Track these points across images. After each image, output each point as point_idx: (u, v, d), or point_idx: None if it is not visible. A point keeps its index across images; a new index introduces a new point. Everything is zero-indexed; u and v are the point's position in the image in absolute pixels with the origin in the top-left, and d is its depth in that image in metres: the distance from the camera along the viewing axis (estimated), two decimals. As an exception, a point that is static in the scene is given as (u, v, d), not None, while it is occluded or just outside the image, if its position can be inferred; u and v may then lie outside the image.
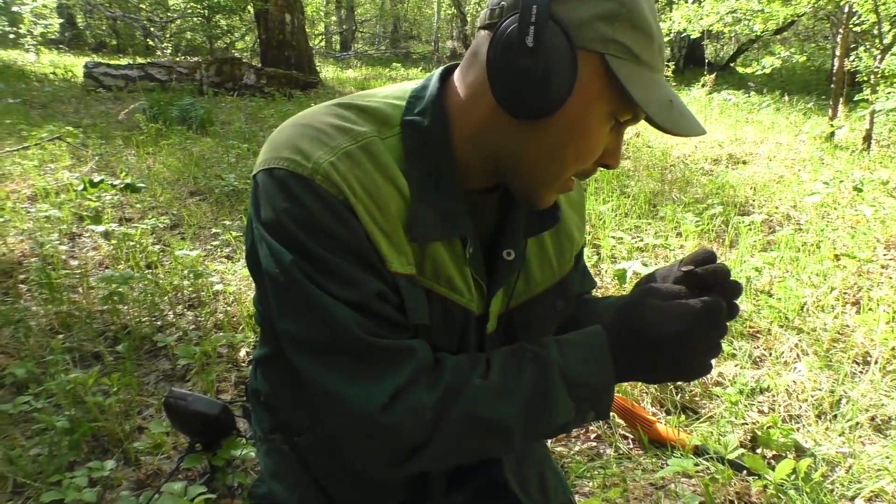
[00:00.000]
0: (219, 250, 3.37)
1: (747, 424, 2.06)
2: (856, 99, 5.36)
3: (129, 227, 3.42)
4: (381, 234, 0.79)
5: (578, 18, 0.72)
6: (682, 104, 0.81)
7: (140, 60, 10.92)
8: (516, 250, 0.94)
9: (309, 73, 10.82)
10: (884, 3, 6.09)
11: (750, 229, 3.72)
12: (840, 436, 2.02)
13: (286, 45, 10.65)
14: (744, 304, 2.81)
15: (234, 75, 9.45)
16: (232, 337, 2.44)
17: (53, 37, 17.16)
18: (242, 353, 2.40)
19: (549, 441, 2.00)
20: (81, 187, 3.98)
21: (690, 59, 15.45)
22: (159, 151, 5.38)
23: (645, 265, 2.95)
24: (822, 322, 2.67)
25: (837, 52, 7.24)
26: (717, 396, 2.20)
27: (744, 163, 5.83)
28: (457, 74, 0.86)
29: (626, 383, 2.12)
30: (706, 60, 9.03)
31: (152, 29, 12.76)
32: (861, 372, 2.36)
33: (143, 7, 13.84)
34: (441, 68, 0.90)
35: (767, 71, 7.57)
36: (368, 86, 11.15)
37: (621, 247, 3.46)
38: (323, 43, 23.47)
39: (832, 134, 6.37)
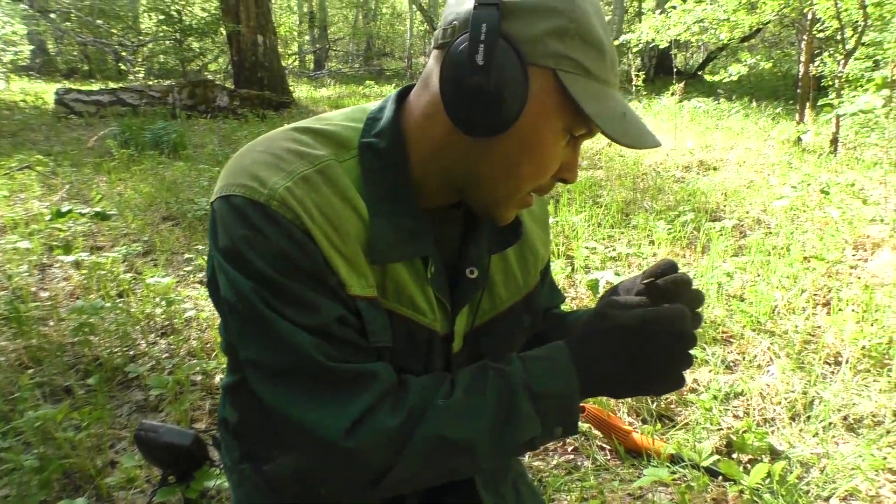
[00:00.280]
0: (192, 276, 3.35)
1: (722, 430, 2.08)
2: (821, 103, 5.46)
3: (99, 256, 3.38)
4: (340, 258, 0.79)
5: (529, 35, 0.73)
6: (636, 116, 0.81)
7: (112, 85, 10.85)
8: (479, 268, 0.94)
9: (282, 93, 10.82)
10: (846, 10, 6.23)
11: (721, 235, 3.77)
12: (814, 437, 2.04)
13: (259, 66, 10.64)
14: (716, 309, 2.83)
15: (207, 97, 9.42)
16: (206, 364, 2.41)
17: (24, 63, 17.04)
18: (217, 379, 2.38)
19: (527, 456, 2.00)
20: (49, 217, 3.93)
21: (660, 68, 15.64)
22: (131, 177, 5.34)
23: (618, 274, 2.97)
24: (794, 324, 2.70)
25: (803, 58, 7.39)
26: (692, 403, 2.21)
27: (714, 169, 5.90)
28: (413, 95, 0.86)
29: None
30: (675, 69, 9.15)
31: (124, 53, 12.67)
32: (832, 372, 2.39)
33: (115, 31, 13.76)
34: (397, 90, 0.90)
35: (735, 78, 7.68)
36: (342, 104, 11.17)
37: (595, 257, 3.48)
38: (297, 62, 23.46)
39: (799, 138, 6.48)
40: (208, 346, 2.61)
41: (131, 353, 2.58)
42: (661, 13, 8.67)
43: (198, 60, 12.48)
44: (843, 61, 6.09)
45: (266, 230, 0.75)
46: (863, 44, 6.09)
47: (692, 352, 0.82)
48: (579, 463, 1.99)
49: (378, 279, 0.83)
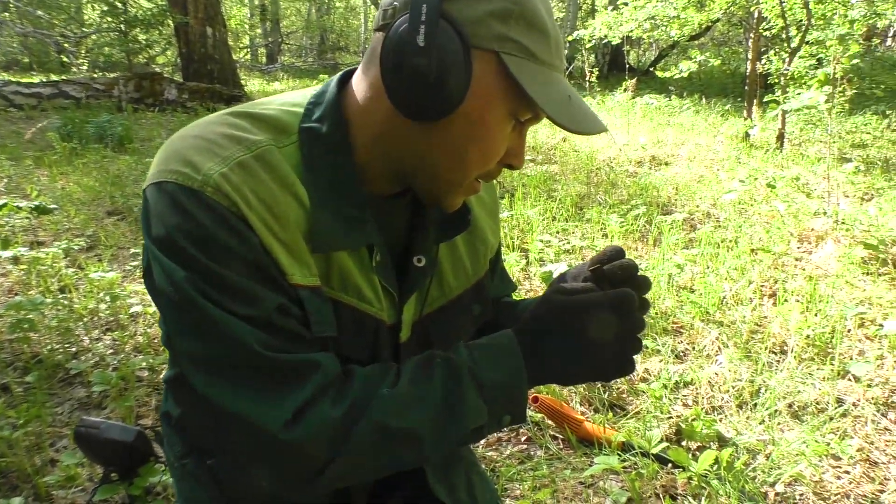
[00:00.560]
0: (138, 270, 3.25)
1: (672, 418, 2.10)
2: (767, 100, 5.59)
3: (40, 251, 3.26)
4: (280, 246, 0.76)
5: (471, 17, 0.71)
6: (581, 101, 0.80)
7: (54, 77, 10.50)
8: (427, 256, 0.92)
9: (233, 86, 10.61)
10: (790, 9, 6.39)
11: (672, 228, 3.83)
12: (760, 424, 2.08)
13: (208, 58, 10.42)
14: (667, 300, 2.87)
15: (155, 90, 9.18)
16: (152, 359, 2.35)
17: (-39, 56, 16.38)
18: (164, 375, 2.31)
19: (480, 446, 2.00)
20: (-15, 212, 3.78)
21: (614, 64, 15.84)
22: (74, 171, 5.17)
23: (571, 267, 2.99)
24: (742, 315, 2.76)
25: (750, 56, 7.56)
26: (643, 392, 2.23)
27: (666, 164, 6.00)
28: (355, 78, 0.84)
29: (555, 384, 2.14)
30: (628, 66, 9.27)
31: (66, 45, 12.28)
32: (778, 361, 2.44)
33: (56, 22, 13.32)
34: (340, 73, 0.88)
35: (685, 74, 7.82)
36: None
37: (549, 250, 3.50)
38: (248, 56, 23.10)
39: (747, 134, 6.63)
40: (155, 341, 2.54)
41: (74, 349, 2.50)
42: (613, 10, 8.78)
43: (144, 53, 12.14)
44: (788, 59, 6.25)
45: (200, 218, 0.72)
46: (807, 42, 6.26)
47: (641, 338, 0.81)
48: (532, 452, 1.99)
49: (322, 268, 0.81)
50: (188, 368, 0.77)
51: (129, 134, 6.42)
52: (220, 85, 10.11)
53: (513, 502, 1.74)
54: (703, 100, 10.41)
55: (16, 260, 3.20)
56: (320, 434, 0.74)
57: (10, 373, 2.28)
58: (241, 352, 0.73)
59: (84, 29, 13.05)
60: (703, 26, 9.29)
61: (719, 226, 4.04)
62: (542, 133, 7.16)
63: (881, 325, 2.58)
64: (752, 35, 7.42)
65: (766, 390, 2.23)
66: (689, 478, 1.78)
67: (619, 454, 1.88)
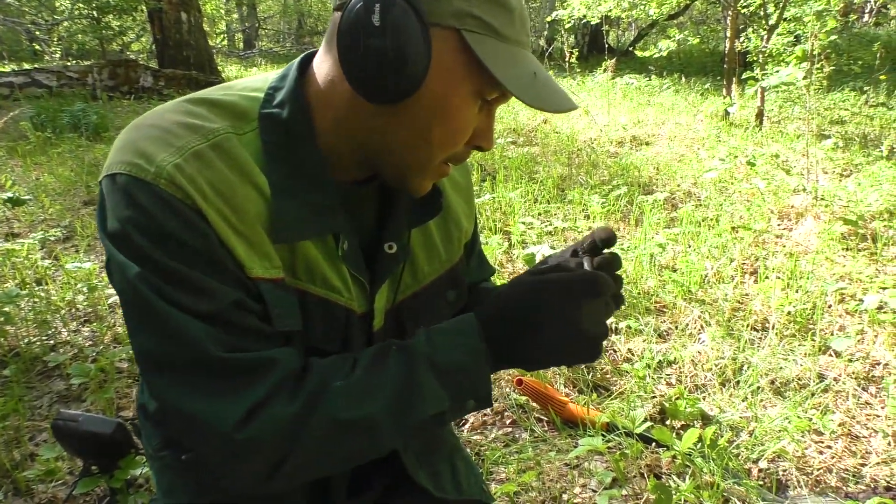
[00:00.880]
0: (116, 261, 3.21)
1: (656, 397, 2.11)
2: (745, 77, 5.60)
3: (14, 243, 3.21)
4: (238, 238, 0.74)
5: None
6: (549, 78, 0.78)
7: (26, 66, 10.30)
8: (398, 243, 0.90)
9: (210, 72, 10.46)
10: (767, -15, 6.39)
11: (654, 207, 3.83)
12: (743, 401, 2.09)
13: (184, 44, 10.26)
14: (649, 280, 2.88)
15: (130, 78, 9.04)
16: (132, 350, 2.32)
17: (-71, 45, 16.03)
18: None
19: (465, 430, 1.99)
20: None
21: (593, 45, 15.79)
22: (48, 161, 5.08)
23: (553, 248, 2.99)
24: (723, 293, 2.77)
25: (728, 34, 7.55)
26: (627, 372, 2.24)
27: (647, 144, 6.00)
28: (316, 60, 0.81)
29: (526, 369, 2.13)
30: (607, 46, 9.26)
31: (38, 33, 12.05)
32: (760, 338, 2.45)
33: (27, 10, 13.06)
34: (301, 56, 0.85)
35: (664, 54, 7.82)
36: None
37: (531, 232, 3.49)
38: (225, 42, 22.79)
39: (727, 112, 6.64)
40: (134, 333, 2.50)
41: (51, 342, 2.46)
42: (591, -11, 8.74)
43: (118, 40, 11.94)
44: (766, 36, 6.26)
45: (153, 211, 0.70)
46: (784, 19, 6.26)
47: (608, 322, 0.79)
48: (517, 435, 1.99)
49: (287, 258, 0.79)
50: (142, 366, 0.76)
51: (104, 122, 6.32)
52: (196, 71, 9.97)
53: (498, 486, 1.74)
54: (683, 79, 10.41)
55: (-11, 253, 3.14)
56: (274, 432, 0.73)
57: (-14, 368, 2.25)
58: (194, 351, 0.71)
59: (56, 16, 12.80)
60: (682, 5, 9.29)
61: (700, 204, 4.05)
62: (522, 115, 7.13)
63: (861, 301, 2.60)
64: (729, 13, 7.41)
65: (748, 368, 2.25)
66: (674, 456, 1.79)
67: (603, 435, 1.89)
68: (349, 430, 0.75)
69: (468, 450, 1.79)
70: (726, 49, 7.54)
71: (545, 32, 13.88)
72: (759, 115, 6.35)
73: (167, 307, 0.70)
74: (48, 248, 3.33)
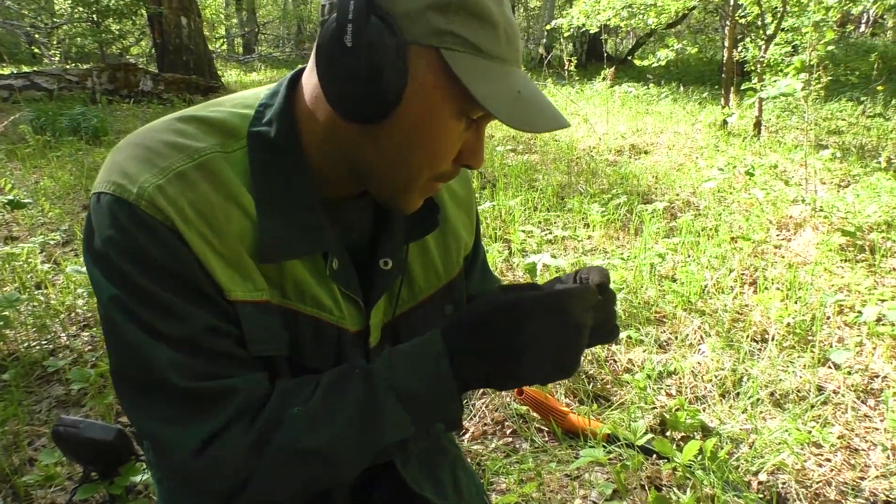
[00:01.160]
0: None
1: (656, 408, 2.11)
2: (744, 87, 5.62)
3: (14, 246, 3.20)
4: (219, 260, 0.73)
5: (407, 10, 0.67)
6: (536, 96, 0.74)
7: (25, 69, 10.30)
8: (394, 258, 0.90)
9: (210, 77, 10.48)
10: (765, -4, 6.42)
11: (653, 217, 3.84)
12: (743, 413, 2.10)
13: (183, 49, 10.27)
14: (649, 290, 2.88)
15: (130, 82, 9.04)
16: (131, 357, 2.31)
17: (-73, 46, 16.00)
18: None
19: (465, 440, 1.99)
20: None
21: (592, 53, 15.84)
22: (48, 164, 5.09)
23: (554, 257, 2.99)
24: (723, 303, 2.77)
25: (726, 44, 7.58)
26: (627, 383, 2.24)
27: (646, 153, 6.02)
28: (304, 78, 0.80)
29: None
30: (606, 55, 9.28)
31: (37, 36, 12.05)
32: (760, 349, 2.46)
33: (26, 13, 13.05)
34: (292, 72, 0.84)
35: (663, 63, 7.84)
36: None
37: (531, 240, 3.50)
38: (225, 46, 22.81)
39: (725, 122, 6.66)
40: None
41: (51, 346, 2.46)
42: (590, -2, 8.76)
43: (118, 43, 11.94)
44: (764, 46, 6.28)
45: (132, 232, 0.70)
46: (782, 29, 6.29)
47: (582, 339, 0.74)
48: (518, 445, 1.99)
49: (275, 278, 0.78)
50: (115, 385, 0.77)
51: (104, 126, 6.32)
52: (196, 76, 9.97)
53: (499, 496, 1.74)
54: (681, 88, 10.45)
55: (-11, 257, 3.13)
56: (227, 462, 0.73)
57: (-14, 374, 2.24)
58: (157, 379, 0.72)
59: (55, 19, 12.80)
60: (680, 14, 9.32)
61: (699, 214, 4.06)
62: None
63: (860, 312, 2.61)
64: (728, 23, 7.44)
65: (748, 379, 2.25)
66: (674, 468, 1.79)
67: (604, 446, 1.89)
68: (305, 459, 0.74)
69: (468, 459, 1.79)
70: (724, 58, 7.57)
71: (544, 40, 13.90)
72: (757, 125, 6.38)
73: (136, 331, 0.71)
74: (48, 252, 3.33)
